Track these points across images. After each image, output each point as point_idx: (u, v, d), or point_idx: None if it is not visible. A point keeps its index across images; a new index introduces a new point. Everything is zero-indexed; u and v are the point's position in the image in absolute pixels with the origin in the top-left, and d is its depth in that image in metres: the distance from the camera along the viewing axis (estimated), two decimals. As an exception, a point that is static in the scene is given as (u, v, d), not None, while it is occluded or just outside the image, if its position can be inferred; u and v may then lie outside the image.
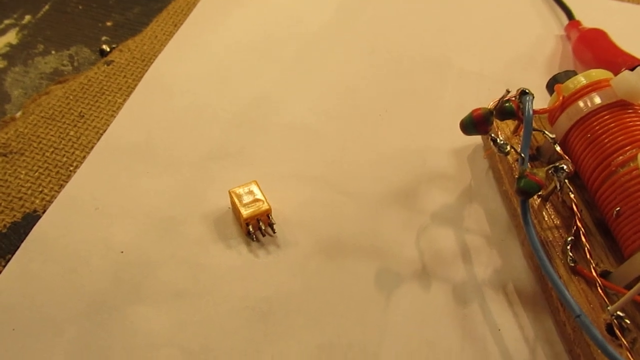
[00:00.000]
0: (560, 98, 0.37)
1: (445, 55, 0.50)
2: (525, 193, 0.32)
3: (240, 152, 0.42)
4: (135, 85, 0.46)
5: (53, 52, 0.51)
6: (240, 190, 0.37)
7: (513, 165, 0.38)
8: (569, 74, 0.40)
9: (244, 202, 0.36)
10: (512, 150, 0.33)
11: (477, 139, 0.43)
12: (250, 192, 0.37)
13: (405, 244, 0.38)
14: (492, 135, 0.34)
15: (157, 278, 0.35)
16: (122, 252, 0.37)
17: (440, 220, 0.39)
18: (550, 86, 0.40)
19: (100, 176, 0.40)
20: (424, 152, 0.43)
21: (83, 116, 0.44)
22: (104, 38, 0.52)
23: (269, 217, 0.37)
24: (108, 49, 0.50)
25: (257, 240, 0.37)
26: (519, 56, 0.50)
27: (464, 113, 0.35)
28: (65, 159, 0.41)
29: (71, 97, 0.45)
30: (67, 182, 0.40)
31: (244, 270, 0.36)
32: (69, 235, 0.37)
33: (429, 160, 0.42)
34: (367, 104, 0.46)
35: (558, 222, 0.35)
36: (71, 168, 0.41)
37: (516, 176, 0.33)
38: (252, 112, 0.45)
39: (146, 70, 0.47)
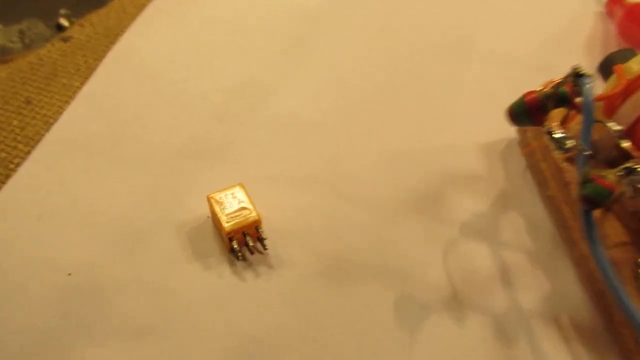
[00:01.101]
0: (623, 82, 0.29)
1: (466, 36, 0.42)
2: (592, 202, 0.25)
3: (222, 150, 0.34)
4: (97, 66, 0.38)
5: (0, 26, 0.43)
6: (221, 196, 0.29)
7: (562, 166, 0.31)
8: (626, 53, 0.32)
9: (227, 211, 0.29)
10: (576, 146, 0.26)
11: (509, 132, 0.36)
12: (235, 198, 0.29)
13: (430, 264, 0.30)
14: (548, 126, 0.26)
15: (114, 309, 0.28)
16: (69, 274, 0.29)
17: (471, 232, 0.31)
18: (605, 68, 0.33)
19: (47, 176, 0.32)
20: (445, 149, 0.35)
21: (30, 102, 0.36)
22: (62, 11, 0.44)
23: (257, 230, 0.29)
24: (67, 24, 0.42)
25: (244, 258, 0.29)
26: (551, 37, 0.43)
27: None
28: (4, 155, 0.33)
29: (17, 79, 0.37)
30: (4, 183, 0.32)
31: (227, 298, 0.28)
32: (2, 252, 0.29)
33: (452, 159, 0.35)
34: (374, 94, 0.38)
35: (625, 239, 0.28)
36: (11, 166, 0.33)
37: (579, 181, 0.25)
38: (237, 102, 0.37)
39: (110, 49, 0.39)
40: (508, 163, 0.35)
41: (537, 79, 0.30)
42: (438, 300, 0.29)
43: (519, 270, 0.30)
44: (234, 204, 0.29)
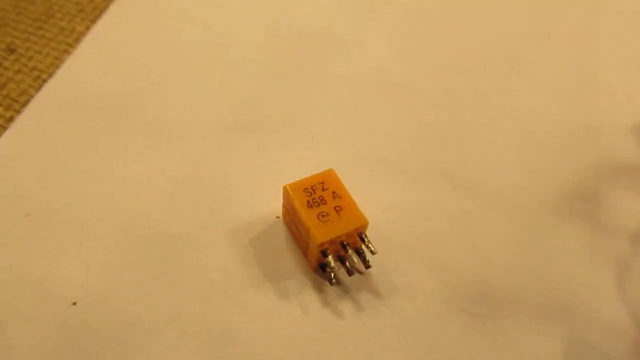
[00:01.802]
0: None
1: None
2: None
3: (289, 120, 0.25)
4: (106, 6, 0.28)
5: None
6: (307, 187, 0.19)
7: None
8: None
9: (317, 210, 0.19)
10: None
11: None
12: (327, 190, 0.19)
13: (603, 293, 0.21)
14: None
15: (143, 360, 0.18)
16: (74, 303, 0.19)
17: (651, 246, 0.22)
18: None
19: (37, 153, 0.22)
20: (591, 130, 0.26)
21: (14, 50, 0.26)
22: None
23: (363, 239, 0.19)
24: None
25: (337, 282, 0.20)
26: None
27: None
28: (-25, 122, 0.23)
29: (-5, 20, 0.27)
30: (-26, 163, 0.22)
31: (317, 345, 0.18)
32: (-31, 268, 0.19)
33: (603, 143, 0.25)
34: (494, 53, 0.28)
35: None
36: (-15, 138, 0.23)
37: None
38: (303, 54, 0.27)
39: (125, -15, 0.29)
40: (677, 150, 0.25)
41: None
42: (623, 348, 0.19)
43: None
44: (325, 200, 0.19)
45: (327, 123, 0.25)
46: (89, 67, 0.25)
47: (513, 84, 0.27)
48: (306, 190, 0.19)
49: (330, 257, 0.19)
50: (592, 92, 0.27)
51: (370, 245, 0.19)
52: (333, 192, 0.19)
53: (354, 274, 0.19)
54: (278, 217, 0.21)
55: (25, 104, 0.24)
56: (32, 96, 0.24)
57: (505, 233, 0.22)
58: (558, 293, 0.20)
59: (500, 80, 0.27)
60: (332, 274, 0.19)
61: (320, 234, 0.18)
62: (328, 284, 0.19)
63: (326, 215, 0.19)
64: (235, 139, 0.24)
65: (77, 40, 0.26)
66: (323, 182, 0.19)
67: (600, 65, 0.28)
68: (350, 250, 0.19)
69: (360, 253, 0.20)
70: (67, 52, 0.26)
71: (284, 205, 0.20)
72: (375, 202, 0.22)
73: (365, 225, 0.19)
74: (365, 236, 0.19)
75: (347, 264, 0.19)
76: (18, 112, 0.23)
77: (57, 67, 0.25)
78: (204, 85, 0.25)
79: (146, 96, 0.25)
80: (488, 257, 0.21)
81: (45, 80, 0.25)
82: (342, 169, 0.21)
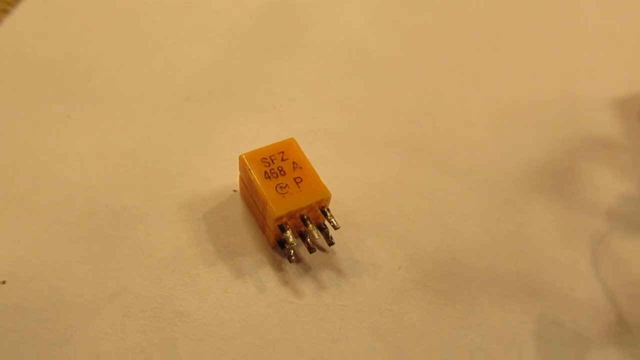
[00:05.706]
0: None
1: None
2: None
3: (251, 89, 0.23)
4: (54, -36, 0.26)
5: None
6: (265, 157, 0.18)
7: None
8: None
9: (275, 181, 0.17)
10: None
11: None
12: (286, 160, 0.18)
13: (574, 270, 0.20)
14: None
15: (82, 344, 0.16)
16: (3, 282, 0.17)
17: (623, 224, 0.21)
18: None
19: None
20: (569, 103, 0.25)
21: (-54, 8, 0.23)
22: None
23: (325, 214, 0.18)
24: None
25: (297, 260, 0.18)
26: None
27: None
28: None
29: None
30: None
31: (274, 327, 0.17)
32: None
33: (581, 118, 0.24)
34: (470, 25, 0.27)
35: None
36: None
37: None
38: (267, 20, 0.26)
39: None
40: (651, 127, 0.25)
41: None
42: (596, 326, 0.19)
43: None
44: (285, 170, 0.18)
45: (292, 93, 0.23)
46: (30, 29, 0.23)
47: (488, 59, 0.26)
48: (264, 160, 0.18)
49: (289, 233, 0.17)
50: (567, 67, 0.26)
51: (333, 220, 0.18)
52: (293, 163, 0.18)
53: (315, 250, 0.18)
54: (235, 191, 0.20)
55: (-43, 65, 0.22)
56: (-34, 57, 0.22)
57: (475, 209, 0.21)
58: (530, 271, 0.20)
59: (475, 54, 0.26)
60: (292, 251, 0.18)
61: (278, 207, 0.17)
62: (287, 262, 0.18)
63: (285, 187, 0.17)
64: (191, 108, 0.22)
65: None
66: (283, 152, 0.18)
67: (576, 41, 0.27)
68: (311, 225, 0.17)
69: (322, 229, 0.18)
70: (5, 12, 0.23)
71: (240, 178, 0.19)
72: (340, 176, 0.20)
73: (328, 199, 0.18)
74: (328, 210, 0.18)
75: (307, 240, 0.18)
76: (-51, 74, 0.21)
77: (-5, 27, 0.23)
78: (157, 51, 0.24)
79: (94, 62, 0.23)
80: (457, 234, 0.20)
81: (-20, 41, 0.22)
82: (305, 141, 0.19)
